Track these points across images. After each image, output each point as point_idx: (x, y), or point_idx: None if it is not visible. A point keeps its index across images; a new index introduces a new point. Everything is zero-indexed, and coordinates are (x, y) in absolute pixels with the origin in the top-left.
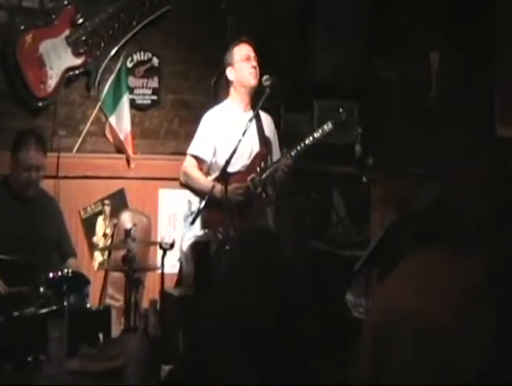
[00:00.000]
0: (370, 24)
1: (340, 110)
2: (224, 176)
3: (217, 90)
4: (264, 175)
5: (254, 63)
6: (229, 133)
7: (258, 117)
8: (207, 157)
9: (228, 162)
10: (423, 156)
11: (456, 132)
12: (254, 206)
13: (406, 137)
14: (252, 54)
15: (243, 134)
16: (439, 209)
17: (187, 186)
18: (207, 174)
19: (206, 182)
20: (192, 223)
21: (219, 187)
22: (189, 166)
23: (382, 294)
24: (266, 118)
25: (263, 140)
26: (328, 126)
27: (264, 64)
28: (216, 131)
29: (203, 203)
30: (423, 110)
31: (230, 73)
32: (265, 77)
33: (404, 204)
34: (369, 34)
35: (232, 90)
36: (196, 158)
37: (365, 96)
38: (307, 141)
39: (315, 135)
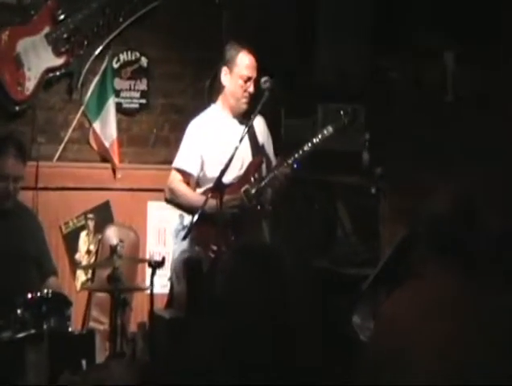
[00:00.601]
0: (377, 22)
1: (342, 113)
2: (219, 188)
3: (212, 93)
4: (259, 186)
5: (252, 89)
6: (218, 142)
7: (248, 122)
8: (193, 170)
9: (223, 172)
10: (437, 165)
11: (474, 138)
12: (249, 220)
13: (418, 143)
14: (254, 74)
15: (240, 141)
16: (456, 224)
17: (173, 203)
18: (195, 189)
19: (195, 196)
20: (184, 238)
21: (212, 201)
22: (175, 181)
23: (389, 315)
24: (258, 121)
25: (256, 147)
26: (327, 131)
27: (263, 65)
28: (203, 141)
29: (195, 217)
30: (437, 115)
31: (225, 77)
32: (263, 79)
33: (417, 218)
34: (377, 33)
35: (222, 95)
36: (182, 172)
37: (373, 99)
38: (305, 148)
39: (314, 141)
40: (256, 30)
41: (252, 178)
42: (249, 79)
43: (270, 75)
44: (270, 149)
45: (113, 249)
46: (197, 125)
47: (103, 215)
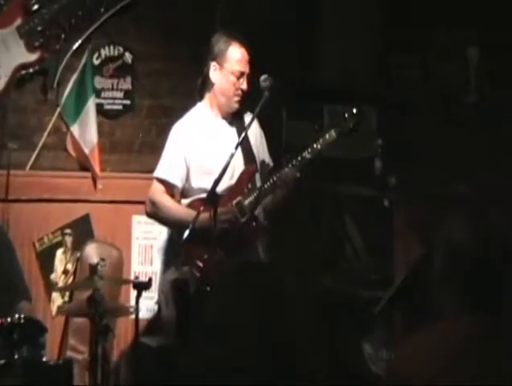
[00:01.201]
0: (389, 12)
1: (346, 115)
2: (212, 200)
3: (204, 93)
4: (252, 197)
5: (244, 86)
6: (205, 147)
7: (240, 125)
8: (178, 181)
9: (217, 182)
10: (458, 174)
11: (499, 144)
12: (241, 237)
13: (437, 150)
14: (247, 69)
15: (236, 147)
16: (479, 242)
17: (155, 217)
18: (179, 200)
19: (181, 210)
20: (174, 257)
21: (203, 215)
22: (157, 192)
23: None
24: (253, 124)
25: (249, 152)
26: (330, 135)
27: (262, 63)
28: (188, 146)
29: (186, 233)
30: (458, 117)
31: (214, 73)
32: (263, 77)
33: (435, 233)
34: (389, 25)
35: (210, 93)
36: (165, 182)
37: (386, 100)
38: (304, 155)
39: (315, 147)
40: (254, 23)
41: (245, 189)
42: (241, 74)
43: (270, 73)
44: (264, 151)
45: (94, 269)
46: (181, 128)
47: (82, 231)
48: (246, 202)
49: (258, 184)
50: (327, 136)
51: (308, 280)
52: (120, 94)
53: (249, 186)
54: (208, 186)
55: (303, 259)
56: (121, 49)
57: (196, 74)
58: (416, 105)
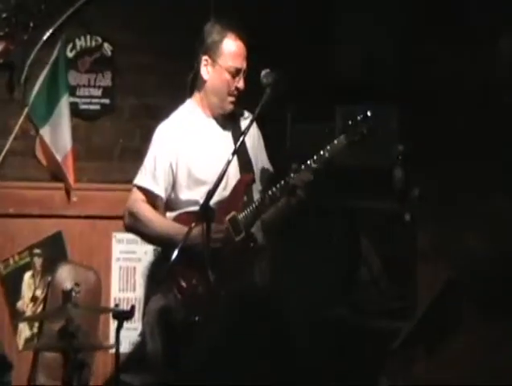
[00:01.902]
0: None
1: (358, 119)
2: (206, 214)
3: (194, 90)
4: (249, 211)
5: (241, 85)
6: (194, 152)
7: (235, 126)
8: (161, 191)
9: (211, 194)
10: (494, 184)
11: None
12: (236, 258)
13: (469, 157)
14: (244, 64)
15: (233, 154)
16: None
17: (135, 231)
18: (164, 213)
19: (166, 224)
20: (161, 282)
21: (195, 230)
22: (137, 202)
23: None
24: (245, 122)
25: (245, 159)
26: (339, 142)
27: (264, 57)
28: (175, 152)
29: (175, 253)
30: (495, 119)
31: (205, 68)
32: (264, 72)
33: (466, 255)
34: (415, 13)
35: (200, 91)
36: (147, 192)
37: (410, 99)
38: (310, 163)
39: (322, 155)
40: (254, 10)
41: (240, 202)
42: (237, 72)
43: (272, 68)
44: (262, 155)
45: (67, 295)
46: (167, 130)
47: (53, 251)
48: (241, 217)
49: (256, 196)
50: (336, 142)
51: (316, 309)
52: (98, 92)
53: (245, 198)
54: (198, 197)
55: (309, 284)
56: (100, 40)
57: (187, 69)
58: (446, 105)
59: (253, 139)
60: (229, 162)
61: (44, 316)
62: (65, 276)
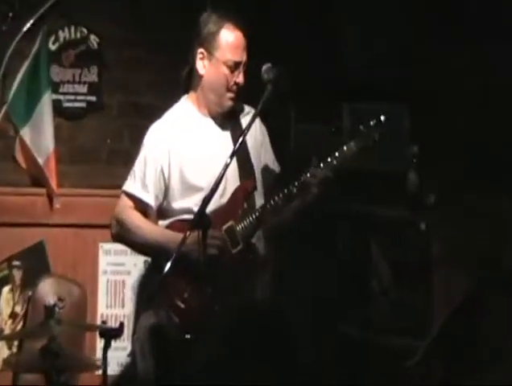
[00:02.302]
0: None
1: (371, 124)
2: (202, 222)
3: (190, 88)
4: (248, 221)
5: (241, 79)
6: (189, 156)
7: (235, 126)
8: (151, 199)
9: (207, 201)
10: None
11: None
12: (233, 271)
13: (489, 159)
14: (244, 57)
15: (231, 157)
16: None
17: (123, 240)
18: (156, 221)
19: (156, 231)
20: (152, 297)
21: (189, 239)
22: (125, 209)
23: None
24: (247, 119)
25: (246, 163)
26: (349, 149)
27: (266, 52)
28: (168, 155)
29: (168, 265)
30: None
31: (201, 62)
32: (265, 66)
33: (487, 265)
34: (423, 9)
35: (196, 88)
36: (135, 199)
37: (424, 98)
38: (316, 171)
39: (330, 162)
40: (255, 1)
41: (239, 211)
42: (236, 65)
43: (275, 62)
44: (268, 153)
45: (50, 311)
46: (159, 131)
47: (35, 263)
48: (240, 227)
49: (258, 201)
50: (345, 149)
51: (322, 327)
52: (83, 88)
53: (245, 205)
54: (192, 205)
55: (314, 299)
56: (85, 31)
57: (182, 64)
58: (465, 104)
59: (256, 138)
60: (226, 166)
61: (24, 334)
62: (47, 290)
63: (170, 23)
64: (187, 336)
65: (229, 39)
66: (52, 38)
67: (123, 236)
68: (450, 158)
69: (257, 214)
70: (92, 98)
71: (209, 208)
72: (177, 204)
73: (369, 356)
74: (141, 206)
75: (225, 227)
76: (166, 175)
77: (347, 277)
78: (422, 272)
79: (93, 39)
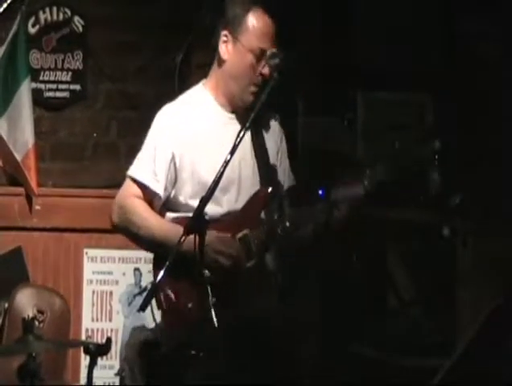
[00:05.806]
0: None
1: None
2: (197, 225)
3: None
4: (265, 231)
5: (266, 70)
6: (204, 148)
7: (256, 122)
8: (160, 188)
9: (206, 200)
10: None
11: None
12: (243, 282)
13: None
14: (272, 46)
15: (232, 152)
16: None
17: (125, 230)
18: (162, 214)
19: (164, 225)
20: (142, 308)
21: (190, 240)
22: (129, 195)
23: None
24: (268, 121)
25: (266, 166)
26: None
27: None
28: (181, 144)
29: (161, 272)
30: None
31: (224, 46)
32: (270, 52)
33: None
34: None
35: (215, 74)
36: (142, 186)
37: (449, 87)
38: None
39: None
40: None
41: (256, 219)
42: (263, 54)
43: (281, 48)
44: (285, 162)
45: (28, 325)
46: (171, 116)
47: (11, 271)
48: (256, 238)
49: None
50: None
51: (336, 347)
52: (66, 76)
53: (263, 214)
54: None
55: (327, 314)
56: (69, 12)
57: (174, 49)
58: (496, 93)
59: (277, 141)
60: (226, 163)
61: (0, 351)
62: (26, 301)
63: (161, 4)
64: (192, 352)
65: (257, 24)
66: (32, 20)
67: (126, 227)
68: (481, 155)
69: (277, 225)
70: (76, 87)
71: (219, 211)
72: (186, 200)
73: (386, 377)
74: (148, 195)
75: (239, 235)
76: (177, 165)
77: (362, 291)
78: (446, 283)
79: (77, 21)
